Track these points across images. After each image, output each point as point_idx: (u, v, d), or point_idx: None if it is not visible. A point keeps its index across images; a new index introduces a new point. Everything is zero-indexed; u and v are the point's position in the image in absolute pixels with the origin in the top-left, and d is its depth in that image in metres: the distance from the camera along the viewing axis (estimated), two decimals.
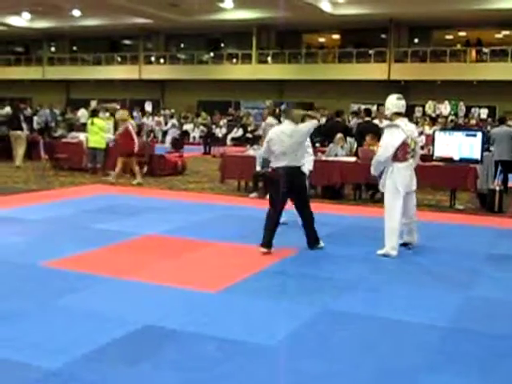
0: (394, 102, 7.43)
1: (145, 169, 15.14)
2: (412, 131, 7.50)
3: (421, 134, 19.84)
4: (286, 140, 7.23)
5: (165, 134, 26.03)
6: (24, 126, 16.89)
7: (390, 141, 7.27)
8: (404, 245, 7.61)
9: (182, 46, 39.20)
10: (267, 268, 6.57)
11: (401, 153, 7.29)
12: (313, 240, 7.47)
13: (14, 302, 5.30)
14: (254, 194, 11.86)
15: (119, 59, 38.67)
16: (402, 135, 7.23)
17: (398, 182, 7.28)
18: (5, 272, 6.32)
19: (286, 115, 7.66)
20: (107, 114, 16.12)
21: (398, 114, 7.39)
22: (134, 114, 27.08)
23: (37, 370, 3.95)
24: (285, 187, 7.21)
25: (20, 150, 16.38)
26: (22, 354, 4.17)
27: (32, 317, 4.94)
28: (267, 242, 7.20)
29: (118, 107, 16.92)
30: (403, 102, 7.47)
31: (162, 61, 37.64)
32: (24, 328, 4.69)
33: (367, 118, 14.38)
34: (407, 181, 7.35)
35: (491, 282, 6.35)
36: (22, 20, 35.53)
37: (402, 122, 7.36)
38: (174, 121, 26.70)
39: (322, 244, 7.50)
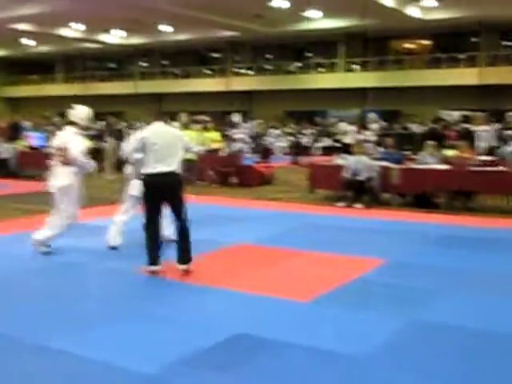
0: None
1: (234, 179, 15.42)
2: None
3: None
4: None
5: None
6: (108, 138, 17.71)
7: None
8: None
9: (268, 56, 39.55)
10: (357, 278, 6.52)
11: None
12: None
13: (113, 308, 5.53)
14: (341, 203, 11.84)
15: (208, 72, 39.48)
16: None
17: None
18: (104, 279, 6.62)
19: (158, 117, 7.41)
20: (198, 126, 16.41)
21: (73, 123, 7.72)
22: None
23: (135, 374, 4.09)
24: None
25: (105, 163, 17.19)
26: (121, 359, 4.32)
27: (129, 323, 5.11)
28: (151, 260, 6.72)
29: (208, 119, 17.21)
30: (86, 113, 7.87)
31: (249, 72, 38.13)
32: (121, 333, 4.86)
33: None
34: None
35: None
36: (114, 37, 36.94)
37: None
38: (279, 131, 26.11)
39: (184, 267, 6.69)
